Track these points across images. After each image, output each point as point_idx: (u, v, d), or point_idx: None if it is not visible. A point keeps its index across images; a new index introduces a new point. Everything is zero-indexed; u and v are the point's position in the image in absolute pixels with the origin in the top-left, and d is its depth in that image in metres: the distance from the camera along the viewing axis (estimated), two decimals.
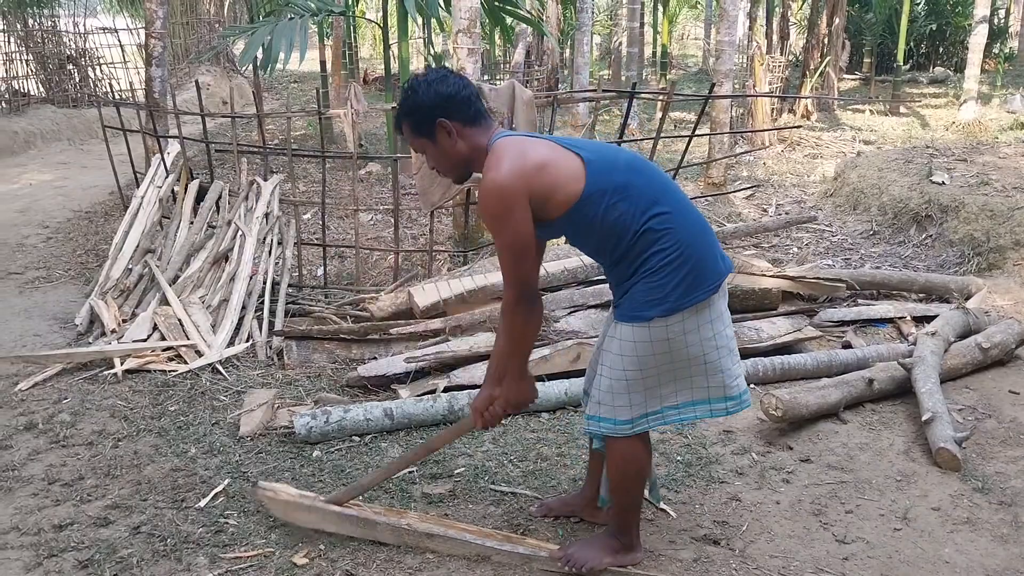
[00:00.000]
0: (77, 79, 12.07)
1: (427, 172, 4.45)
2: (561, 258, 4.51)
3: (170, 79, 13.77)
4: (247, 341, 4.18)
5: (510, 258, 2.26)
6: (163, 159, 5.09)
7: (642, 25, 16.45)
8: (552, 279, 4.37)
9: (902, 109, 12.46)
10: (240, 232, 4.54)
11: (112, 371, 3.86)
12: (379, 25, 6.98)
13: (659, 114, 12.02)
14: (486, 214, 2.24)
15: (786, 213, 6.88)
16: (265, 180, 4.80)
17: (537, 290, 2.37)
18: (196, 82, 4.81)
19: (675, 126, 11.33)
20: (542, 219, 2.28)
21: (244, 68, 12.48)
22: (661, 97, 5.16)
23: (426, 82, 2.28)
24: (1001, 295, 4.78)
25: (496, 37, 13.57)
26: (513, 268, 2.27)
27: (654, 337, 2.28)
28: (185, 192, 4.87)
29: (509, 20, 7.41)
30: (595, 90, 5.07)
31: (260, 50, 6.01)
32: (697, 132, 5.09)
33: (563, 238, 2.54)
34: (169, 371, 3.89)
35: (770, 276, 4.30)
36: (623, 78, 11.28)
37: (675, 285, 2.24)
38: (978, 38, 10.68)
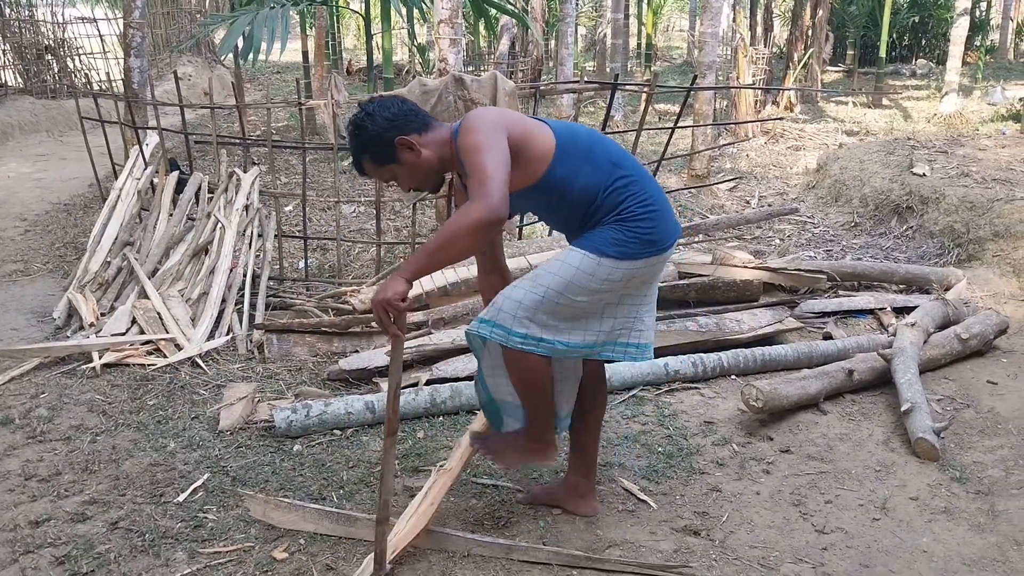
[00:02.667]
0: (56, 70, 11.90)
1: None
2: (544, 250, 4.51)
3: (150, 70, 13.65)
4: (227, 334, 4.15)
5: (492, 159, 2.15)
6: (141, 151, 5.03)
7: (627, 17, 16.41)
8: None
9: (884, 101, 12.52)
10: (220, 224, 4.50)
11: (90, 365, 3.81)
12: (362, 15, 6.92)
13: (643, 106, 12.06)
14: (467, 133, 2.23)
15: (769, 205, 6.91)
16: (245, 172, 4.75)
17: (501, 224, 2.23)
18: (175, 73, 4.75)
19: (659, 118, 11.34)
20: (515, 187, 2.26)
21: (224, 57, 12.34)
22: (644, 89, 5.15)
23: (368, 114, 2.33)
24: (980, 286, 4.82)
25: (481, 28, 13.52)
26: (492, 166, 2.14)
27: (598, 274, 2.34)
28: (164, 184, 4.82)
29: (493, 12, 7.37)
30: (578, 81, 5.06)
31: (240, 39, 5.95)
32: (680, 124, 5.08)
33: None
34: (148, 365, 3.86)
35: (751, 268, 4.32)
36: (608, 70, 11.26)
37: (640, 234, 2.34)
38: (959, 31, 10.74)
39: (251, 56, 5.75)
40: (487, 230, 2.11)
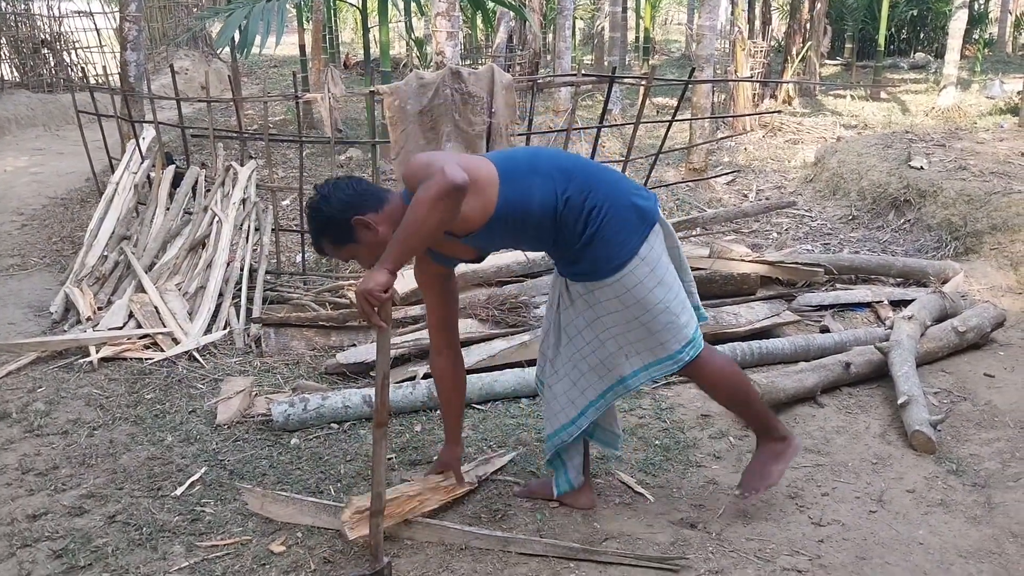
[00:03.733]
0: (52, 64, 11.86)
1: (406, 158, 4.41)
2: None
3: (147, 63, 13.63)
4: (224, 328, 4.15)
5: (433, 161, 2.21)
6: (138, 145, 5.02)
7: (625, 10, 16.39)
8: (532, 265, 4.37)
9: (883, 95, 12.51)
10: (216, 218, 4.50)
11: (88, 359, 3.81)
12: (359, 9, 6.90)
13: (641, 99, 12.03)
14: (408, 169, 2.28)
15: (766, 198, 6.91)
16: (242, 165, 4.74)
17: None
18: (171, 66, 4.73)
19: (658, 111, 11.32)
20: (476, 225, 2.33)
21: (220, 51, 12.30)
22: (641, 83, 5.14)
23: (324, 197, 2.35)
24: (978, 279, 4.82)
25: (478, 22, 13.48)
26: (437, 160, 2.20)
27: (618, 292, 2.39)
28: (160, 178, 4.81)
29: (491, 5, 7.35)
30: (575, 75, 5.05)
31: (237, 33, 5.93)
32: (678, 118, 5.07)
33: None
34: (145, 359, 3.85)
35: (749, 261, 4.31)
36: (605, 63, 11.23)
37: (619, 231, 2.37)
38: (958, 24, 10.72)
39: (247, 50, 5.73)
40: (450, 197, 2.14)
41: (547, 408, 2.69)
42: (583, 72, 5.50)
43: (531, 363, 3.70)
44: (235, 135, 4.88)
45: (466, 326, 3.89)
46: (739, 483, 2.72)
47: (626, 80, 6.18)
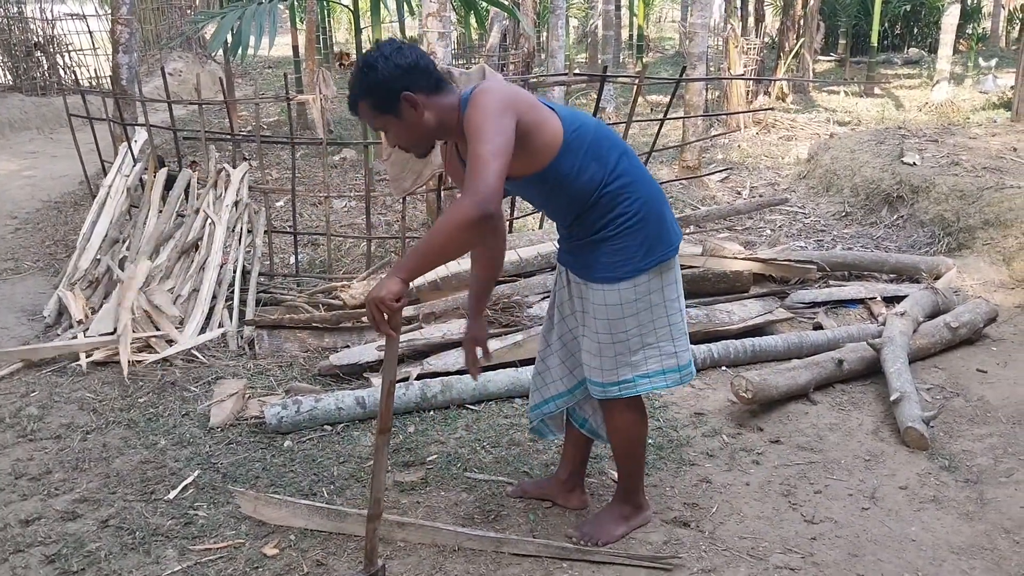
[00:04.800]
0: (45, 67, 11.83)
1: (398, 158, 4.41)
2: (535, 243, 4.50)
3: (140, 66, 13.58)
4: (218, 330, 4.14)
5: (495, 149, 2.05)
6: (130, 147, 5.01)
7: (618, 8, 16.37)
8: (525, 264, 4.36)
9: (876, 90, 12.52)
10: (209, 220, 4.49)
11: (79, 363, 3.80)
12: (350, 9, 6.88)
13: (633, 97, 12.03)
14: (475, 110, 2.11)
15: (760, 196, 6.91)
16: (234, 167, 4.73)
17: (503, 225, 2.35)
18: (162, 68, 4.72)
19: (651, 109, 11.32)
20: (517, 173, 2.25)
21: (213, 53, 12.27)
22: (633, 81, 5.13)
23: (383, 56, 2.17)
24: (970, 274, 4.83)
25: (472, 21, 13.46)
26: (493, 159, 2.03)
27: (624, 299, 2.36)
28: (153, 181, 4.80)
29: (483, 4, 7.35)
30: (567, 74, 5.04)
31: (229, 35, 5.93)
32: (670, 116, 5.07)
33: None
34: (137, 362, 3.84)
35: (741, 259, 4.32)
36: (599, 61, 11.24)
37: (636, 246, 2.32)
38: (950, 19, 10.73)
39: (240, 52, 5.72)
40: (478, 228, 2.01)
41: (537, 380, 2.70)
42: (575, 71, 5.49)
43: (524, 363, 3.70)
44: (227, 137, 4.86)
45: (458, 326, 3.88)
46: (577, 526, 2.65)
47: (618, 79, 6.18)
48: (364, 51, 2.27)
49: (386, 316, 2.10)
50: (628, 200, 2.31)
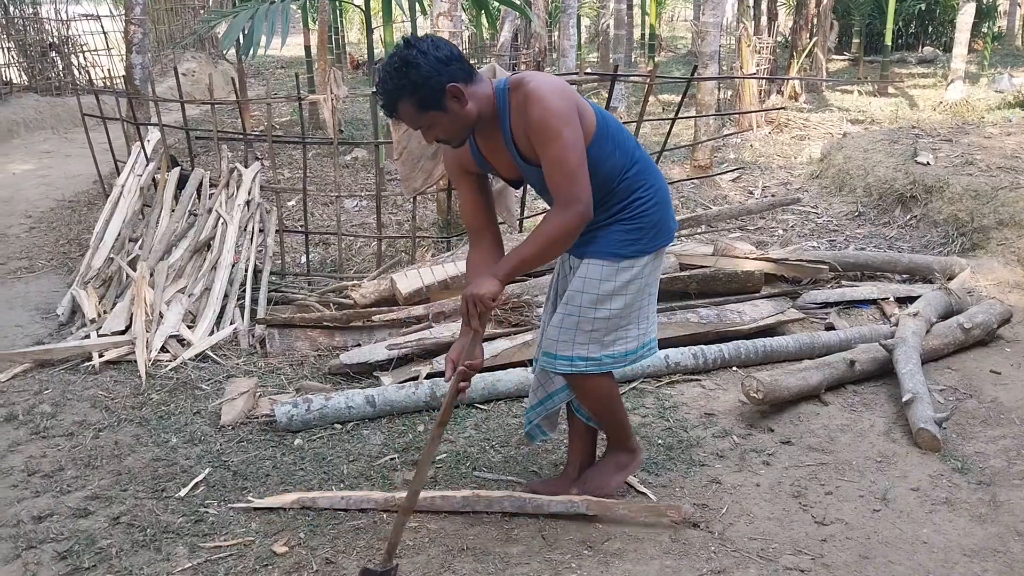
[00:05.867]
0: (60, 67, 11.92)
1: (409, 157, 4.42)
2: None
3: (154, 65, 13.66)
4: (230, 328, 4.16)
5: (572, 168, 2.16)
6: (143, 147, 5.04)
7: (631, 7, 16.34)
8: None
9: (890, 89, 12.43)
10: (221, 220, 4.51)
11: (92, 363, 3.83)
12: (361, 9, 6.90)
13: (644, 97, 12.00)
14: (545, 122, 2.14)
15: (772, 195, 6.88)
16: (246, 167, 4.76)
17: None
18: (175, 68, 4.75)
19: (663, 108, 11.29)
20: (537, 159, 2.27)
21: (225, 53, 12.32)
22: (644, 81, 5.12)
23: (422, 52, 2.13)
24: (984, 275, 4.78)
25: (483, 20, 13.47)
26: (576, 179, 2.17)
27: (619, 278, 2.41)
28: (165, 180, 4.83)
29: (494, 4, 7.34)
30: (577, 73, 5.04)
31: (241, 35, 5.96)
32: (681, 115, 5.05)
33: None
34: (150, 362, 3.86)
35: (753, 259, 4.30)
36: (611, 60, 11.22)
37: (648, 228, 2.40)
38: (965, 17, 10.65)
39: (252, 51, 5.75)
40: (577, 234, 2.23)
41: (541, 376, 2.72)
42: (586, 70, 5.48)
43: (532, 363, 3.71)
44: (239, 137, 4.89)
45: None
46: (578, 485, 2.72)
47: (627, 78, 6.18)
48: (394, 49, 2.21)
49: (478, 312, 2.24)
50: (645, 186, 2.40)
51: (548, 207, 2.50)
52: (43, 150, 9.46)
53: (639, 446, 2.81)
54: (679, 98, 6.38)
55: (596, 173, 2.31)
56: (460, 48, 2.39)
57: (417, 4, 6.23)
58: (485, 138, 2.36)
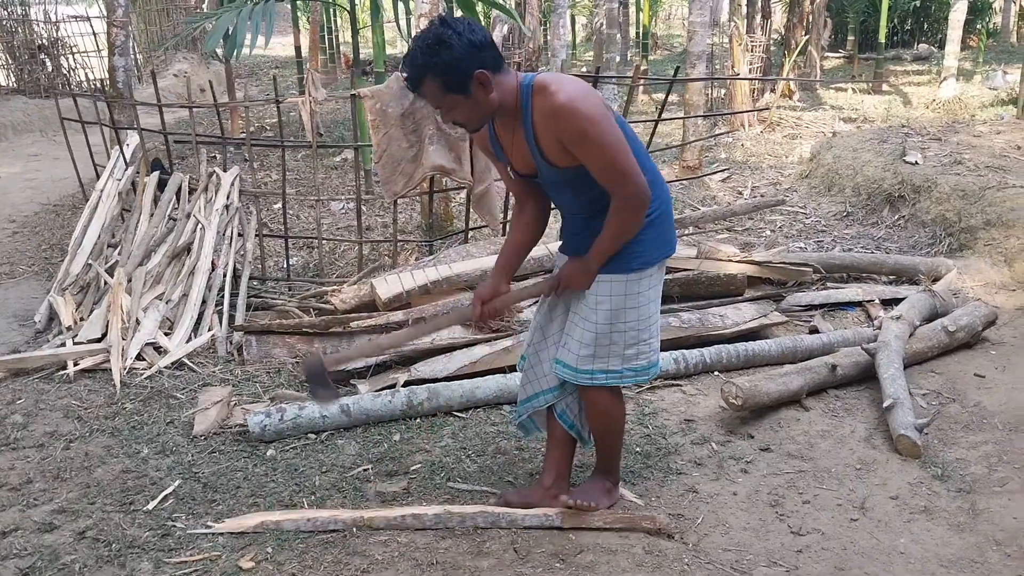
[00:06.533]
0: (50, 69, 11.84)
1: (389, 161, 4.37)
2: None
3: (146, 67, 13.58)
4: (208, 334, 4.11)
5: (614, 155, 2.21)
6: (122, 151, 4.99)
7: (626, 5, 16.30)
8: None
9: (885, 87, 12.38)
10: (199, 225, 4.46)
11: (66, 372, 3.78)
12: (346, 9, 6.85)
13: (641, 97, 11.94)
14: (578, 124, 2.17)
15: (761, 196, 6.83)
16: (225, 171, 4.71)
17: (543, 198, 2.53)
18: (152, 73, 4.70)
19: (655, 108, 11.23)
20: (567, 163, 2.30)
21: (209, 54, 12.25)
22: (628, 81, 5.07)
23: (457, 33, 2.12)
24: (972, 276, 4.74)
25: (482, 20, 13.39)
26: (622, 164, 2.22)
27: (629, 291, 2.42)
28: (144, 185, 4.78)
29: (479, 6, 7.28)
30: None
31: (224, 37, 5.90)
32: (667, 116, 5.00)
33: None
34: (125, 370, 3.82)
35: (736, 261, 4.25)
36: (604, 59, 11.15)
37: (651, 240, 2.40)
38: (957, 15, 10.59)
39: (236, 52, 5.69)
40: (642, 218, 2.32)
41: (530, 373, 2.71)
42: (571, 72, 5.41)
43: (514, 369, 3.66)
44: (218, 140, 4.84)
45: (448, 331, 3.85)
46: (572, 496, 2.68)
47: (611, 79, 6.13)
48: (430, 25, 2.22)
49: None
50: (651, 196, 2.35)
51: (558, 208, 2.60)
52: (31, 153, 9.39)
53: (618, 481, 2.83)
54: (672, 97, 6.33)
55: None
56: None
57: (402, 4, 6.17)
58: (505, 129, 2.38)
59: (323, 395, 2.58)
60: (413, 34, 4.98)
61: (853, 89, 12.26)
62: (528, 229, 2.59)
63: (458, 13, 6.57)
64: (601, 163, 2.22)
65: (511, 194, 2.69)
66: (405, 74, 2.23)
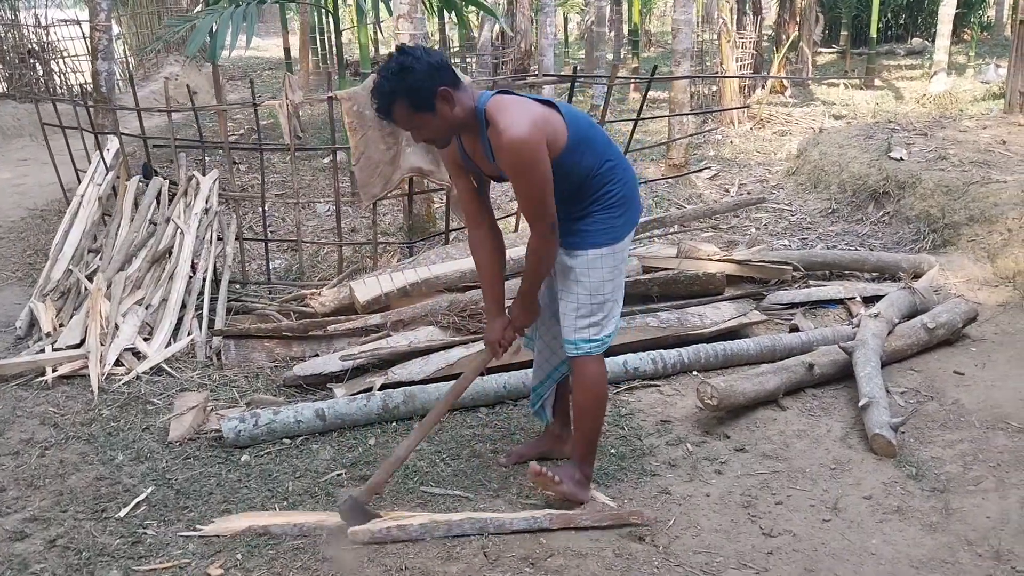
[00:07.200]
0: (40, 73, 11.82)
1: (367, 164, 4.36)
2: (509, 247, 4.43)
3: (138, 70, 13.56)
4: (188, 339, 4.10)
5: (540, 198, 2.44)
6: (102, 156, 4.98)
7: (618, 3, 16.25)
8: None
9: (877, 82, 12.36)
10: (179, 229, 4.45)
11: (44, 378, 3.77)
12: (330, 11, 6.84)
13: (634, 95, 11.92)
14: (516, 164, 2.40)
15: (748, 193, 6.82)
16: (204, 175, 4.70)
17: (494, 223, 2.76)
18: (130, 77, 4.69)
19: (647, 106, 11.20)
20: None
21: (189, 57, 12.23)
22: (606, 81, 5.05)
23: (416, 58, 2.34)
24: (954, 272, 4.73)
25: (472, 18, 13.38)
26: (543, 206, 2.46)
27: (605, 264, 2.62)
28: (124, 189, 4.77)
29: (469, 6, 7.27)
30: (535, 75, 4.98)
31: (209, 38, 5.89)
32: (648, 115, 4.98)
33: None
34: (103, 375, 3.80)
35: (716, 260, 4.24)
36: (594, 57, 11.14)
37: (618, 217, 2.63)
38: (947, 8, 10.55)
39: (217, 55, 5.67)
40: (555, 241, 2.55)
41: (540, 356, 2.96)
42: (544, 73, 5.42)
43: (491, 371, 3.64)
44: (196, 144, 4.83)
45: (426, 333, 3.84)
46: (553, 468, 2.80)
47: (587, 79, 6.13)
48: (390, 55, 2.44)
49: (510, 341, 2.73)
50: (614, 180, 2.60)
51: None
52: (20, 158, 9.37)
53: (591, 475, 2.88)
54: (664, 95, 6.31)
55: (568, 178, 2.53)
56: (440, 47, 2.56)
57: (382, 5, 6.16)
58: (470, 141, 2.58)
59: (362, 520, 2.66)
60: (388, 35, 4.96)
61: (845, 85, 12.24)
62: (493, 255, 2.77)
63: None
64: (522, 193, 2.46)
65: (464, 213, 2.84)
66: (375, 103, 2.42)
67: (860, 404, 3.22)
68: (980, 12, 17.66)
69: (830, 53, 16.34)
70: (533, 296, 2.67)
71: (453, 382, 2.97)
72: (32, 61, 11.72)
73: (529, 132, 2.38)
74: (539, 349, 2.96)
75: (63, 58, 12.23)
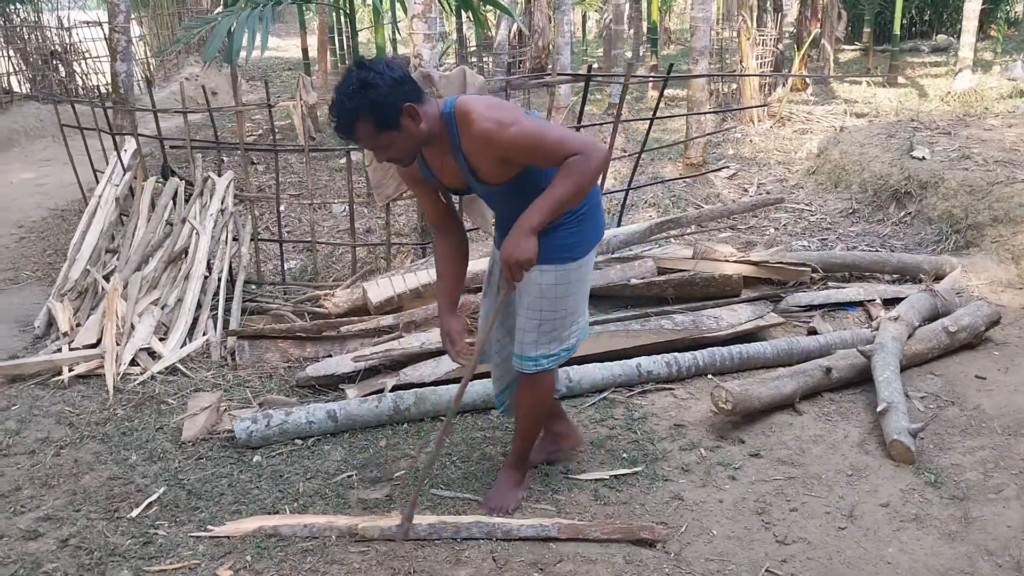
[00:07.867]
0: (63, 74, 11.95)
1: (380, 165, 4.35)
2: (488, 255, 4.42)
3: (159, 71, 13.68)
4: (203, 339, 4.11)
5: (546, 129, 2.30)
6: (119, 157, 5.02)
7: (638, 0, 16.18)
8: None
9: (900, 80, 12.19)
10: (195, 230, 4.47)
11: (60, 378, 3.80)
12: (345, 12, 6.85)
13: (652, 93, 11.85)
14: (503, 129, 2.24)
15: (767, 192, 6.74)
16: (219, 175, 4.72)
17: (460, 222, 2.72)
18: (148, 80, 4.72)
19: (665, 104, 11.13)
20: (495, 180, 2.41)
21: (207, 61, 12.33)
22: (621, 80, 5.00)
23: (378, 73, 2.21)
24: (977, 274, 4.64)
25: (490, 18, 13.37)
26: (557, 134, 2.29)
27: (570, 279, 2.52)
28: (141, 190, 4.80)
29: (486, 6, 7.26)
30: (550, 74, 4.94)
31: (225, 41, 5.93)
32: (664, 114, 4.94)
33: None
34: (119, 375, 3.83)
35: (732, 261, 4.19)
36: (612, 55, 11.08)
37: (584, 232, 2.52)
38: (973, 4, 10.38)
39: (234, 56, 5.71)
40: (603, 172, 2.43)
41: (502, 367, 2.84)
42: (560, 72, 5.39)
43: None
44: (212, 145, 4.85)
45: (438, 335, 3.81)
46: (483, 504, 2.79)
47: (601, 78, 6.08)
48: (348, 72, 2.29)
49: (516, 273, 2.36)
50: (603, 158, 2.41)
51: (492, 210, 2.73)
52: (43, 159, 9.48)
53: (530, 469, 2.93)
54: (683, 92, 6.25)
55: (533, 188, 2.38)
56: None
57: (399, 4, 6.15)
58: (432, 155, 2.46)
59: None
60: (405, 35, 4.95)
61: (867, 82, 12.08)
62: (457, 266, 2.73)
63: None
64: (538, 150, 2.27)
65: (430, 224, 2.76)
66: (335, 122, 2.27)
67: (878, 409, 3.16)
68: (1007, 8, 17.37)
69: (852, 50, 16.16)
70: (544, 226, 2.33)
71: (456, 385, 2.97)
72: (55, 63, 11.87)
73: (498, 104, 2.37)
74: (497, 363, 2.87)
75: (85, 59, 12.37)
